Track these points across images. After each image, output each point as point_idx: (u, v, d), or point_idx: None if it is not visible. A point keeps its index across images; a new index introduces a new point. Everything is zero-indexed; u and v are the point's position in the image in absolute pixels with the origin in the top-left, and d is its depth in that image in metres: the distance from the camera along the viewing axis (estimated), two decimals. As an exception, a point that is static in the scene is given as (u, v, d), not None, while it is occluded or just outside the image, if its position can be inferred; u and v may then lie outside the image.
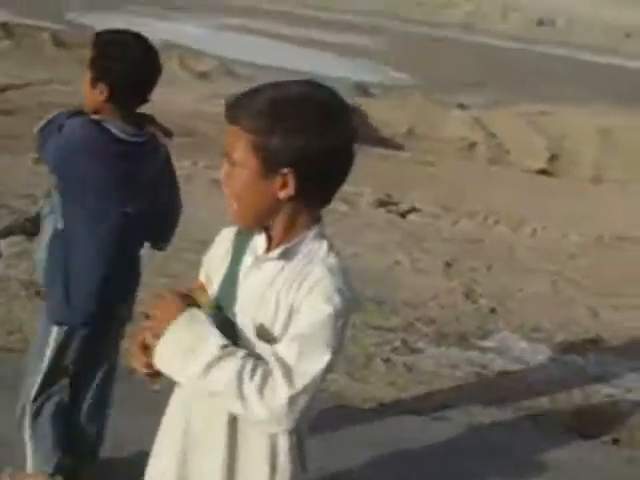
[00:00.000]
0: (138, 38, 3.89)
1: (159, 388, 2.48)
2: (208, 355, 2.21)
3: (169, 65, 23.84)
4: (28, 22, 25.52)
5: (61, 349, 4.07)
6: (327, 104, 2.28)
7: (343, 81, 21.88)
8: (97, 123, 3.83)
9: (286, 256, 2.32)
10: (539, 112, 21.32)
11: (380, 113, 20.29)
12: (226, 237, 2.51)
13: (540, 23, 54.83)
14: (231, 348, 2.22)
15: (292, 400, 2.16)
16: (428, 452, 5.11)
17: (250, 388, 2.17)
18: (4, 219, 7.90)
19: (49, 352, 4.07)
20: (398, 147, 19.37)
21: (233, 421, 2.36)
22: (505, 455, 5.19)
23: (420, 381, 6.05)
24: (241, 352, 2.22)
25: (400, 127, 20.38)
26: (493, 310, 7.69)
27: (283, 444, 2.37)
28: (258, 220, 2.34)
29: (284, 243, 2.33)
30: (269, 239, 2.36)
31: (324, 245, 2.33)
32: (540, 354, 6.87)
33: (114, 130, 3.82)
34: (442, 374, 6.21)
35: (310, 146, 2.23)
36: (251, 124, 2.25)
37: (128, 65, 3.79)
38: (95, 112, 3.87)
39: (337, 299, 2.22)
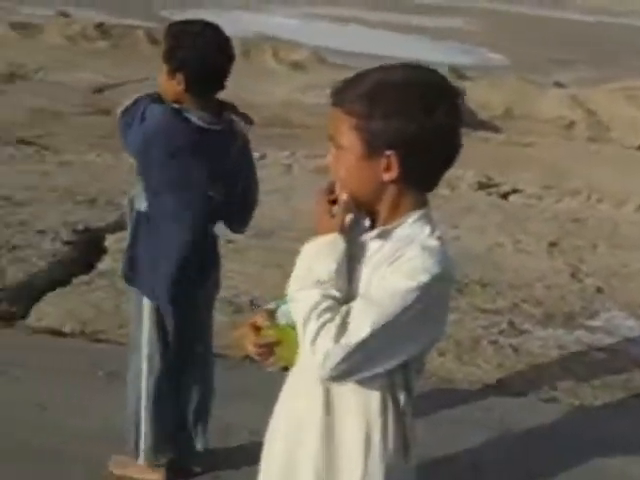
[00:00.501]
0: (209, 26, 3.95)
1: (272, 369, 2.51)
2: (309, 279, 2.29)
3: (263, 57, 23.99)
4: (123, 22, 25.91)
5: (156, 330, 4.16)
6: (431, 87, 2.28)
7: (437, 65, 21.71)
8: (177, 111, 3.91)
9: (384, 236, 2.34)
10: (638, 87, 20.89)
11: (476, 95, 20.10)
12: None
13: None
14: (327, 285, 2.26)
15: (329, 352, 2.19)
16: (536, 434, 5.07)
17: (313, 325, 2.22)
18: (110, 215, 8.08)
19: (146, 337, 4.17)
20: (496, 129, 19.19)
21: (328, 401, 2.39)
22: (615, 435, 5.12)
23: (527, 363, 5.99)
24: (332, 292, 2.26)
25: (497, 109, 20.18)
26: (599, 289, 7.57)
27: (378, 427, 2.37)
28: (364, 202, 2.36)
29: (385, 225, 2.34)
30: (373, 222, 2.38)
31: (426, 228, 2.33)
32: (649, 332, 6.75)
33: (193, 118, 3.90)
34: (549, 355, 6.15)
35: (411, 128, 2.23)
36: (352, 107, 2.28)
37: (201, 54, 3.86)
38: (175, 102, 3.95)
39: (422, 278, 2.22)
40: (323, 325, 2.21)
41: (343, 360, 2.19)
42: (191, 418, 4.35)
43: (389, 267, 2.26)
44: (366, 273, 2.32)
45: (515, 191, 11.14)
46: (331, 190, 2.38)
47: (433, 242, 2.30)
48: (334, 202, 2.37)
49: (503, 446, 4.90)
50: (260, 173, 4.33)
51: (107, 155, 10.76)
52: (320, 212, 2.38)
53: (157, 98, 3.98)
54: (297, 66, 23.57)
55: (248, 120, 4.15)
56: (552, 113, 19.83)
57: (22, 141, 10.97)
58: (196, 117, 3.90)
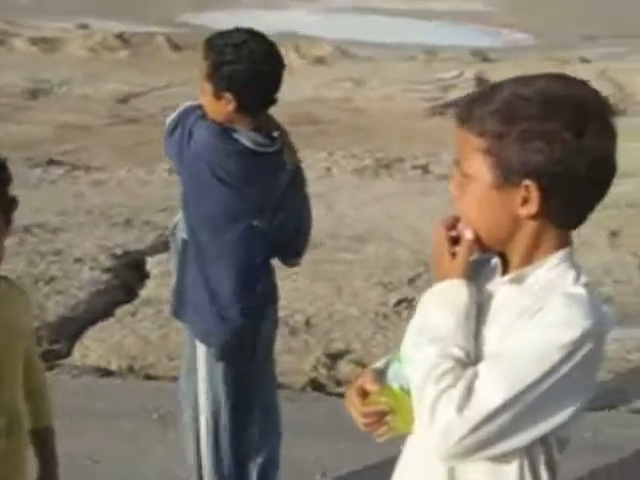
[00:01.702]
0: (252, 34, 3.58)
1: (383, 440, 2.09)
2: (424, 334, 1.92)
3: (286, 55, 23.67)
4: (142, 29, 25.64)
5: (212, 376, 3.80)
6: (579, 102, 1.90)
7: (460, 48, 21.33)
8: (227, 134, 3.55)
9: (519, 283, 1.95)
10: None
11: (501, 77, 19.66)
12: None
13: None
14: (447, 342, 1.88)
15: (451, 425, 1.81)
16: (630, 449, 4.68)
17: (430, 392, 1.84)
18: (148, 236, 7.72)
19: (201, 381, 3.83)
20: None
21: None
22: None
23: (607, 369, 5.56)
24: (452, 350, 1.87)
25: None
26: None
27: None
28: (494, 241, 1.97)
29: (520, 268, 1.95)
30: (504, 264, 1.99)
31: (570, 273, 1.93)
32: None
33: (245, 141, 3.55)
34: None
35: (555, 154, 1.85)
36: (482, 127, 1.90)
37: (251, 67, 3.49)
38: (224, 122, 3.57)
39: (567, 335, 1.83)
40: (443, 392, 1.82)
41: (468, 434, 1.81)
42: (259, 465, 4.01)
43: (526, 321, 1.87)
44: (496, 327, 1.92)
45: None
46: (452, 225, 1.99)
47: (579, 290, 1.91)
48: (456, 240, 1.98)
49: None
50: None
51: (138, 170, 10.42)
52: (439, 252, 1.99)
53: (205, 113, 3.60)
54: (320, 61, 23.25)
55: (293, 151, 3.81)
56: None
57: (52, 161, 10.63)
58: (247, 139, 3.53)
